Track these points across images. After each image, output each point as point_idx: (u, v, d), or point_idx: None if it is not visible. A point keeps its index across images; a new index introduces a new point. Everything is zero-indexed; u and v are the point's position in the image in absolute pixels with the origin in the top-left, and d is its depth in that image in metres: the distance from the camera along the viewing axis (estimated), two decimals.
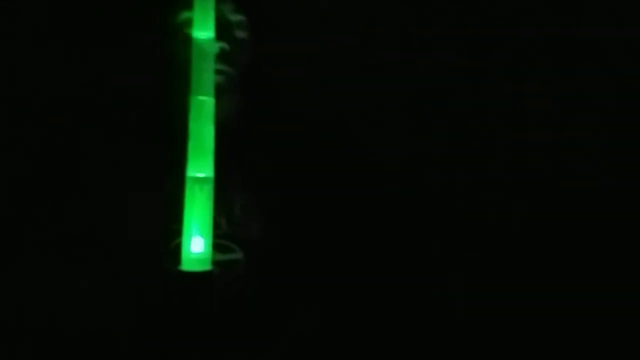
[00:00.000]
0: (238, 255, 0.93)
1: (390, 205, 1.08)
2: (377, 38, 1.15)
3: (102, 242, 0.90)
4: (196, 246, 0.80)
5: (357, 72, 1.13)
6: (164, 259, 0.86)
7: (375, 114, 1.13)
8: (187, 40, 0.82)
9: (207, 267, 0.80)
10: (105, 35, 1.00)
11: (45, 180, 0.94)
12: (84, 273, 0.90)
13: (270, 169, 0.97)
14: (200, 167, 0.81)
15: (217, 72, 0.89)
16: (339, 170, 1.03)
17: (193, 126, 0.81)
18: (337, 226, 1.01)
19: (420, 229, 1.11)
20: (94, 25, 1.01)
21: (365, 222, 1.05)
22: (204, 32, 0.81)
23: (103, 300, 0.88)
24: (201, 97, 0.81)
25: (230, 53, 0.93)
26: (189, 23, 0.86)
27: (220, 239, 0.91)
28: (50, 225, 0.91)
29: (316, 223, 0.99)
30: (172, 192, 0.90)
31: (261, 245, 0.94)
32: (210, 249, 0.80)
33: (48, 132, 0.97)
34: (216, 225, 0.91)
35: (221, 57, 0.91)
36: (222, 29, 0.89)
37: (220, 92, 0.87)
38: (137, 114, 0.98)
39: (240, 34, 0.96)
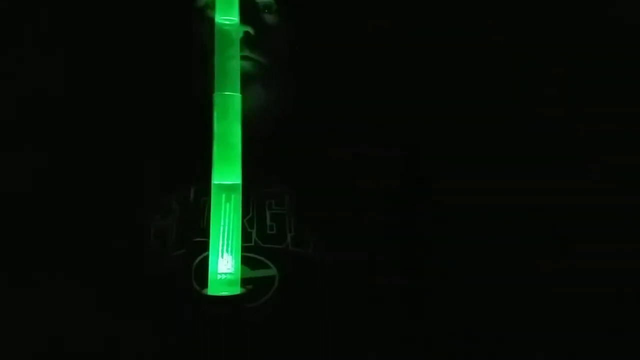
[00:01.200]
0: (272, 271, 0.81)
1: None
2: (429, 21, 1.01)
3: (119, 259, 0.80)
4: (224, 265, 0.69)
5: (406, 59, 1.00)
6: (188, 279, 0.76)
7: (428, 106, 0.99)
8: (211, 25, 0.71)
9: (236, 289, 0.69)
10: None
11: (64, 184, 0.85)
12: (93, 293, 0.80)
13: (307, 171, 0.85)
14: (227, 173, 0.70)
15: (243, 58, 0.79)
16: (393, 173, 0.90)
17: (218, 126, 0.70)
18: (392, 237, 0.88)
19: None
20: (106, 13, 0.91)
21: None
22: (227, 15, 0.70)
23: (118, 325, 0.79)
24: (226, 93, 0.70)
25: (257, 38, 0.82)
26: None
27: (251, 253, 0.81)
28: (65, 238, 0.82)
29: (364, 229, 0.86)
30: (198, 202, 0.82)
31: (300, 260, 0.82)
32: (239, 267, 0.70)
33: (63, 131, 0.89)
34: (247, 238, 0.82)
35: (246, 42, 0.81)
36: (247, 12, 0.79)
37: (247, 81, 0.78)
38: (160, 111, 0.88)
39: (268, 17, 0.86)
